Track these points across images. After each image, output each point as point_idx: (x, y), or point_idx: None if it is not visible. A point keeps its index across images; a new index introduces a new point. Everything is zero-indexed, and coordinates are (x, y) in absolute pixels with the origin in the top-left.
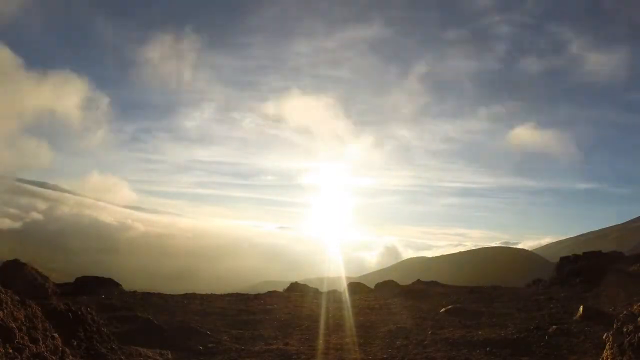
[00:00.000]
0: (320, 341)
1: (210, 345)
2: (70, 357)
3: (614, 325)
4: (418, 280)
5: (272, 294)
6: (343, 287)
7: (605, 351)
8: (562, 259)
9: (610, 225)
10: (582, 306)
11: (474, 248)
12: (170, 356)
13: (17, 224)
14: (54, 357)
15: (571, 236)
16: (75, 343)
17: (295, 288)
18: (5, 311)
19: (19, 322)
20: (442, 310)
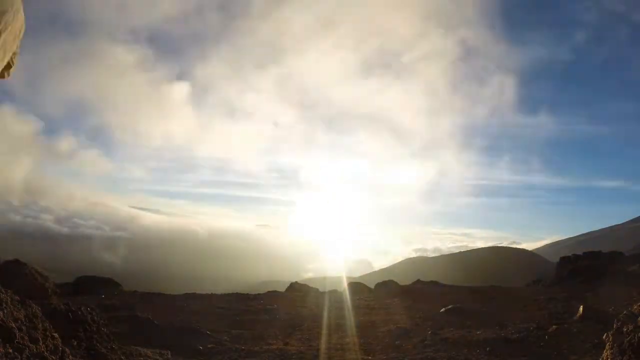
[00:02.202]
0: (321, 341)
1: (210, 345)
2: (70, 357)
3: (614, 325)
4: (418, 280)
5: (272, 294)
6: (343, 287)
7: (605, 351)
8: (562, 259)
9: (610, 225)
10: (582, 306)
11: (474, 248)
12: (170, 356)
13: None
14: (54, 357)
15: (571, 236)
16: (75, 343)
17: (295, 288)
18: (5, 311)
19: (19, 322)
20: (442, 310)
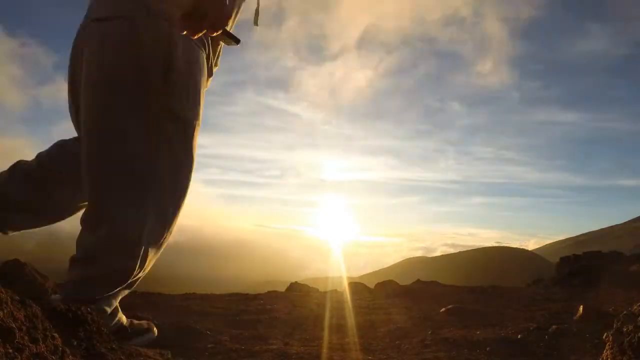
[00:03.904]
0: (321, 341)
1: (210, 345)
2: (70, 357)
3: (614, 325)
4: (418, 280)
5: (272, 294)
6: (343, 287)
7: (605, 351)
8: (562, 259)
9: (610, 225)
10: (582, 306)
11: (474, 248)
12: (170, 356)
13: None
14: (54, 357)
15: (571, 236)
16: (75, 343)
17: (295, 288)
18: (5, 311)
19: (19, 322)
20: (442, 310)
